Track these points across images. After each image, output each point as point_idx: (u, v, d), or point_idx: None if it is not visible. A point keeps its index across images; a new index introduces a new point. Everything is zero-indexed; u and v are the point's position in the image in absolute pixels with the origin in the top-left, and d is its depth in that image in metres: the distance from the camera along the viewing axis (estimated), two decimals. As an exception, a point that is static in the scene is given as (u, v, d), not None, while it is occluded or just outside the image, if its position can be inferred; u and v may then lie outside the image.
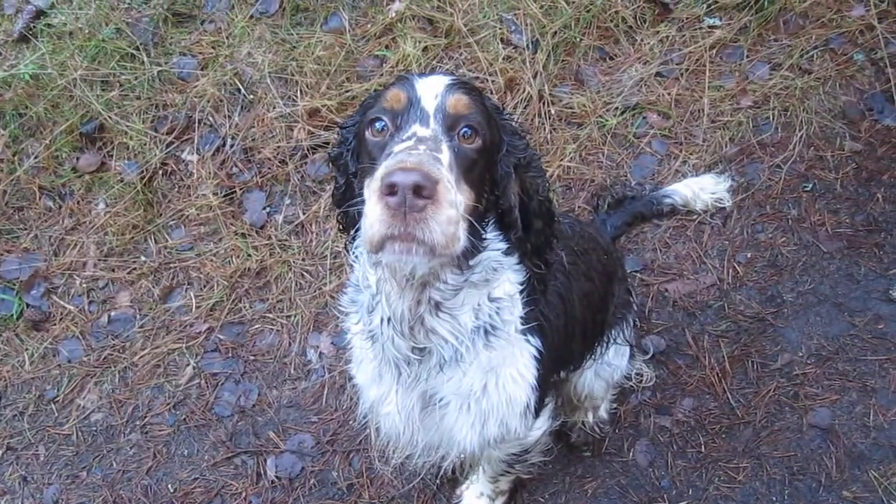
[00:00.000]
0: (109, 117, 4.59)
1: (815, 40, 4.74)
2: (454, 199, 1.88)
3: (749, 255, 4.32)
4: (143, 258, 4.52)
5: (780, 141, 4.59)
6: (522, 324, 2.51)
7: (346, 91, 4.63)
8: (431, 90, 2.11)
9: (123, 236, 4.53)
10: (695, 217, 4.38)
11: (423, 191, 1.78)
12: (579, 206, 4.44)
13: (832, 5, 4.76)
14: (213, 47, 4.79)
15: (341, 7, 4.81)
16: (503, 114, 2.33)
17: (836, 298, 4.17)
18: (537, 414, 2.84)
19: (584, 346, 3.25)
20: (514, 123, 2.37)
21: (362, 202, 1.95)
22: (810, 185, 4.47)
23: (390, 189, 1.79)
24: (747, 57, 4.76)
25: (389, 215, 1.82)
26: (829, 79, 4.68)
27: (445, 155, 1.96)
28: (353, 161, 2.30)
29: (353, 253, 2.46)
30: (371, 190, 1.88)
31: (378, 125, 2.11)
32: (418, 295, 2.26)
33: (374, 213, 1.85)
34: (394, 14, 4.75)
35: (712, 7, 4.81)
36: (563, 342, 2.87)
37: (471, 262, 2.22)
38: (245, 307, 4.37)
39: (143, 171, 4.58)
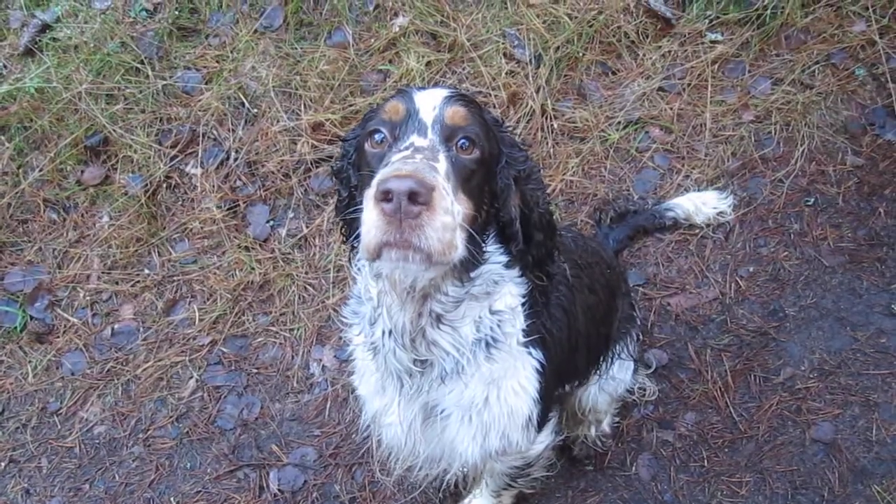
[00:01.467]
0: (114, 131, 4.61)
1: (817, 55, 4.75)
2: (450, 207, 1.89)
3: (751, 269, 4.32)
4: (146, 271, 4.54)
5: (781, 155, 4.60)
6: (524, 336, 2.52)
7: (350, 105, 4.65)
8: (430, 102, 2.12)
9: (127, 249, 4.54)
10: (697, 231, 4.39)
11: (418, 197, 1.79)
12: (582, 220, 4.46)
13: (833, 21, 4.78)
14: (217, 61, 4.81)
15: (345, 22, 4.83)
16: (503, 127, 2.34)
17: (838, 313, 4.17)
18: (540, 427, 2.84)
19: (589, 361, 3.25)
20: (514, 136, 2.39)
21: (362, 211, 1.95)
22: (812, 200, 4.48)
23: (385, 195, 1.80)
24: (749, 72, 4.78)
25: (385, 221, 1.83)
26: (830, 94, 4.70)
27: (442, 164, 1.97)
28: (355, 173, 2.32)
29: (356, 265, 2.47)
30: (368, 197, 1.89)
31: (377, 137, 2.13)
32: (419, 307, 2.27)
33: (370, 220, 1.86)
34: (397, 29, 4.77)
35: (714, 22, 4.83)
36: (566, 356, 2.87)
37: (471, 275, 2.23)
38: (248, 320, 4.38)
39: (147, 185, 4.60)
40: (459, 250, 1.94)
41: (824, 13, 4.78)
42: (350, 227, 2.36)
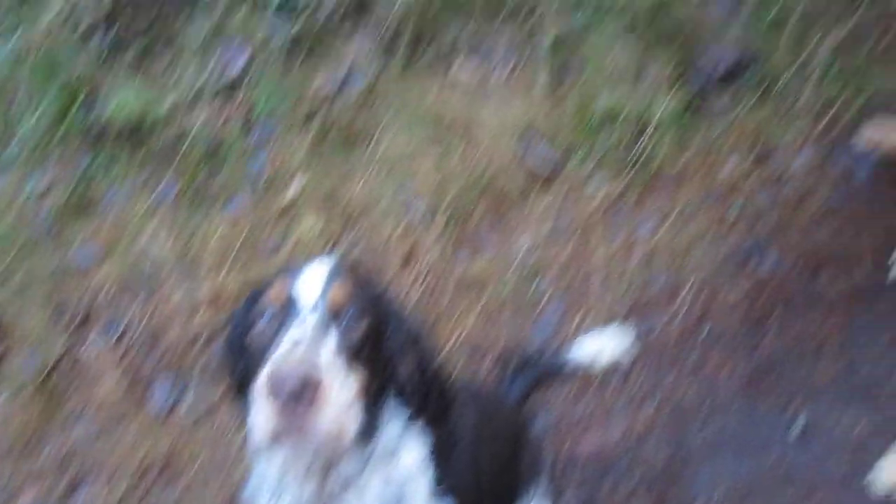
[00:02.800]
0: (7, 311, 4.53)
1: (694, 197, 5.01)
2: (341, 389, 1.93)
3: (654, 404, 4.38)
4: (46, 451, 4.38)
5: (671, 292, 4.76)
6: (434, 486, 2.52)
7: (249, 271, 4.69)
8: (313, 281, 2.16)
9: (25, 430, 4.40)
10: (599, 372, 4.45)
11: (307, 387, 1.83)
12: (484, 370, 4.50)
13: (704, 164, 5.07)
14: (113, 236, 4.82)
15: (241, 190, 4.92)
16: (387, 293, 2.40)
17: (742, 438, 4.22)
18: (456, 581, 2.80)
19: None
20: (399, 301, 2.44)
21: (254, 399, 1.97)
22: (705, 332, 4.62)
23: (273, 389, 1.84)
24: (633, 215, 4.99)
25: (276, 413, 1.86)
26: (708, 232, 4.92)
27: (331, 345, 2.01)
28: (243, 356, 2.30)
29: (253, 443, 2.45)
30: (258, 389, 1.91)
31: (262, 321, 2.15)
32: (321, 479, 2.26)
33: (261, 412, 1.89)
34: (293, 193, 4.87)
35: (594, 170, 5.06)
36: (477, 501, 2.86)
37: (374, 438, 2.25)
38: (153, 498, 4.24)
39: (43, 364, 4.50)
40: (355, 427, 1.98)
41: (695, 157, 5.07)
42: (245, 407, 2.36)
